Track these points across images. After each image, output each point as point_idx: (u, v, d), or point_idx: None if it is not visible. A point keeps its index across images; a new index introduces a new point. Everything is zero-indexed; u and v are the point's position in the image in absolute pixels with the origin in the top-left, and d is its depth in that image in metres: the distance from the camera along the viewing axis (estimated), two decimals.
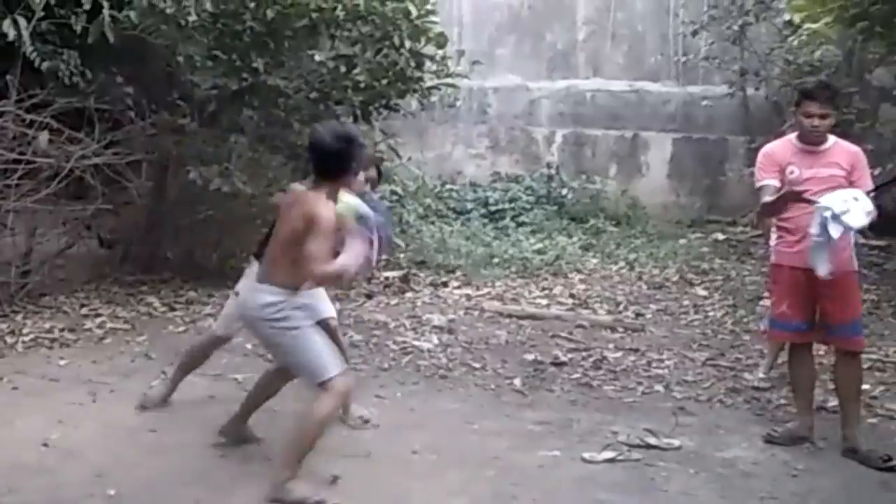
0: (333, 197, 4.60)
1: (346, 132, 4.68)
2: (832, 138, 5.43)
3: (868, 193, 5.14)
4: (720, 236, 12.53)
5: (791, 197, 5.11)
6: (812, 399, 5.63)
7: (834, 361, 5.62)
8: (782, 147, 5.51)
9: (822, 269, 5.09)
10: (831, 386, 5.80)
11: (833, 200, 5.00)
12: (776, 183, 5.33)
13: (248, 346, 7.14)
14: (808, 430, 5.51)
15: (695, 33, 13.05)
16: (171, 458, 5.05)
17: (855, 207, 4.98)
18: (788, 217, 5.39)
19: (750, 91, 13.13)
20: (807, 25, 8.94)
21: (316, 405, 4.54)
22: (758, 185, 5.51)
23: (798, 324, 5.44)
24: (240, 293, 5.24)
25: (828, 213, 4.96)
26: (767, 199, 5.34)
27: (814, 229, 5.04)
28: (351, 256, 4.54)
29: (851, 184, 5.23)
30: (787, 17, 10.70)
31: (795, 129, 6.01)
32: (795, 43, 11.00)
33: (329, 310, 5.46)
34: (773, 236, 5.99)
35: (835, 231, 4.95)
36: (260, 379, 5.28)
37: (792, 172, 5.29)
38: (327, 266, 4.43)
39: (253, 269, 5.17)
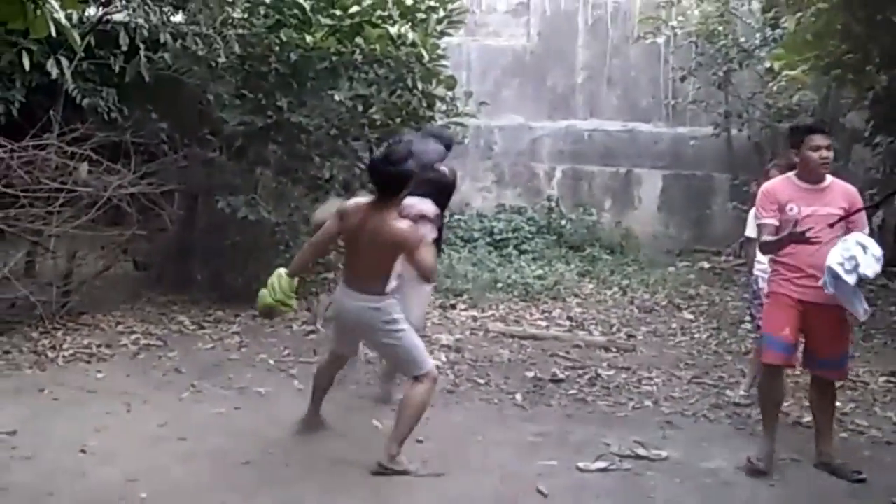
0: (398, 207, 5.02)
1: (402, 156, 4.91)
2: (829, 177, 5.28)
3: (871, 207, 5.09)
4: (706, 265, 12.53)
5: (793, 238, 4.94)
6: (777, 416, 5.46)
7: (810, 382, 5.57)
8: (782, 185, 5.32)
9: (860, 311, 5.00)
10: (806, 403, 5.79)
11: (839, 256, 4.92)
12: (775, 222, 5.19)
13: (272, 361, 7.18)
14: (772, 443, 5.33)
15: (683, 79, 13.16)
16: (200, 464, 5.07)
17: (863, 256, 4.89)
18: (787, 254, 5.20)
19: (734, 132, 13.21)
20: (785, 73, 8.96)
21: (415, 392, 5.02)
22: (757, 222, 5.41)
23: (793, 349, 5.25)
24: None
25: (840, 269, 4.87)
26: (767, 238, 5.21)
27: (829, 290, 4.94)
28: (429, 252, 5.00)
29: (849, 222, 5.13)
30: (767, 64, 10.74)
31: (780, 168, 6.00)
32: (775, 88, 11.06)
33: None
34: (760, 267, 5.96)
35: (850, 279, 4.87)
36: (320, 372, 5.56)
37: (791, 210, 5.13)
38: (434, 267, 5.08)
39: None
